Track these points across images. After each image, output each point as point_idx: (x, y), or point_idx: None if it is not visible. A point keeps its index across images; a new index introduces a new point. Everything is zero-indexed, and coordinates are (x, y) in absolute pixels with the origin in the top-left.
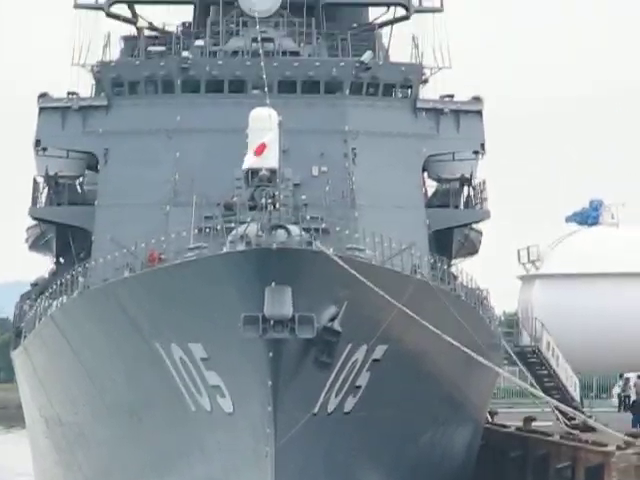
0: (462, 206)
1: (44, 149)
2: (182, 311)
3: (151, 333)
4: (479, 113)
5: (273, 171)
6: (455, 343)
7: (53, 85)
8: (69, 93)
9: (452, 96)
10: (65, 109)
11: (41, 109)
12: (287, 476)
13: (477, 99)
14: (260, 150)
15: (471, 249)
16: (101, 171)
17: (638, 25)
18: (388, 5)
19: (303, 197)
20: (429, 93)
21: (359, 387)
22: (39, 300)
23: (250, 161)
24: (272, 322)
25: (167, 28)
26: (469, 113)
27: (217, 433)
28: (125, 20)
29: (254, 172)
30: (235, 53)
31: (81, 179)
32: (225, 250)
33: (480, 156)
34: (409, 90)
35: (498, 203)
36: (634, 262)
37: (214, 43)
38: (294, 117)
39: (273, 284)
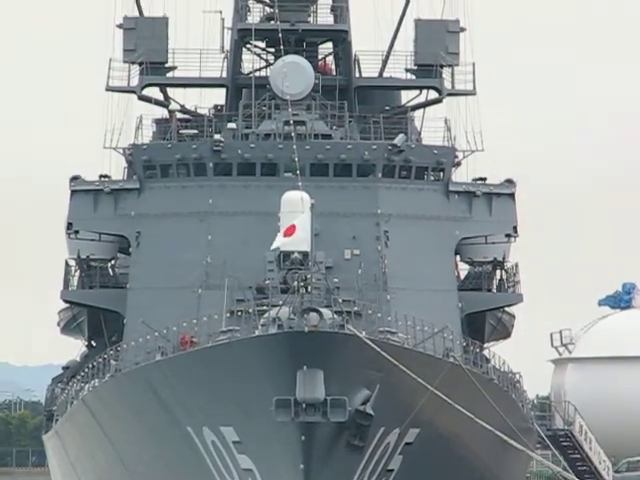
0: (495, 289)
1: (76, 232)
2: (214, 394)
3: (183, 416)
4: (511, 196)
5: (305, 254)
6: (488, 427)
7: (85, 168)
8: (101, 176)
9: (485, 179)
10: (97, 192)
11: (73, 192)
12: None
13: (509, 182)
14: (290, 232)
15: (504, 332)
16: (133, 254)
17: None
18: (421, 88)
19: (335, 280)
20: (462, 176)
21: (391, 470)
22: (71, 383)
23: (280, 243)
24: (304, 405)
25: (199, 111)
26: (501, 196)
27: None
28: (157, 103)
29: (286, 255)
30: (267, 136)
31: (113, 262)
32: (257, 333)
33: (512, 239)
34: (442, 173)
35: (531, 286)
36: None
37: (246, 126)
38: (326, 200)
39: (305, 367)
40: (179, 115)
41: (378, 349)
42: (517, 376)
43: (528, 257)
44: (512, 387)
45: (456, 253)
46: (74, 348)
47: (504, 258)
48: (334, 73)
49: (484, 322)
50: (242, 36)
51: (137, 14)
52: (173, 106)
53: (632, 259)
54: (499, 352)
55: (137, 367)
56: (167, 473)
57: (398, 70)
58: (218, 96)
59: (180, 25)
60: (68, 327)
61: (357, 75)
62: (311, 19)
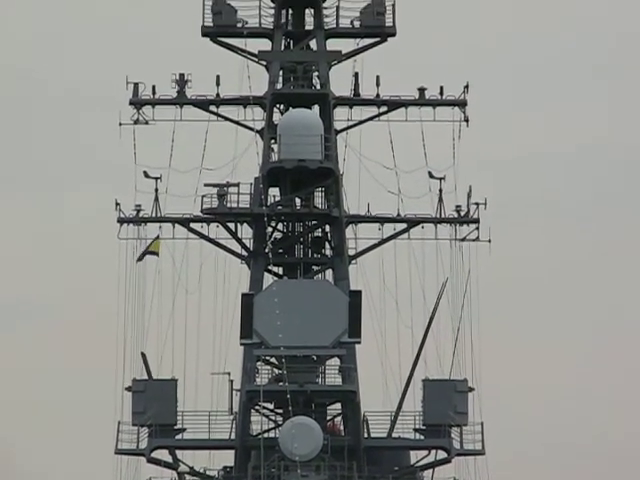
0: None
1: None
2: None
3: None
4: None
5: None
6: None
7: None
8: None
9: None
10: None
11: None
12: None
13: None
14: None
15: None
16: None
17: None
18: (429, 448)
19: None
20: None
21: None
22: None
23: None
24: None
25: (208, 472)
26: None
27: None
28: (166, 465)
29: None
30: None
31: None
32: None
33: None
34: None
35: None
36: None
37: None
38: None
39: None
40: (188, 478)
41: None
42: None
43: None
44: None
45: None
46: None
47: None
48: (343, 433)
49: None
50: (250, 397)
51: (145, 376)
52: (182, 468)
53: None
54: None
55: None
56: None
57: (406, 430)
58: (227, 457)
59: (189, 387)
60: None
61: (366, 435)
62: (319, 380)
